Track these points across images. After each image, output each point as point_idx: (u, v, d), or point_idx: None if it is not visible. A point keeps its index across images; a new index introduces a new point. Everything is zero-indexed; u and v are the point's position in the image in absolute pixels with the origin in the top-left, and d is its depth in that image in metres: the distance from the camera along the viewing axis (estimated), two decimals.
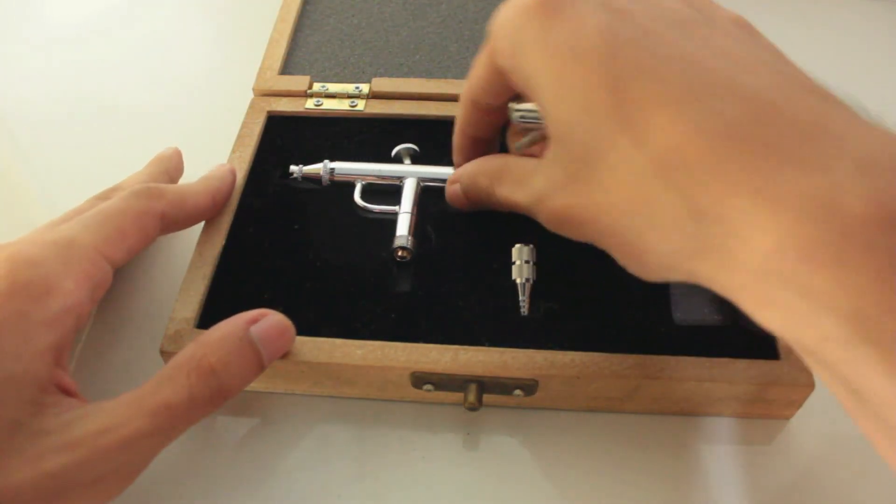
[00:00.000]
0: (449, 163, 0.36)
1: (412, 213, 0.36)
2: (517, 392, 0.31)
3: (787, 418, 0.33)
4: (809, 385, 0.30)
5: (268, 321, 0.29)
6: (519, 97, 0.31)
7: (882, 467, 0.31)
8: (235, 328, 0.28)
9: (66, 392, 0.26)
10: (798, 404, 0.32)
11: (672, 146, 0.22)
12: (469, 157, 0.34)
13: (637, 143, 0.22)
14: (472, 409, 0.31)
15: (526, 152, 0.32)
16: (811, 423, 0.32)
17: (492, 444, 0.32)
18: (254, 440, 0.32)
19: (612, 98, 0.23)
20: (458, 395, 0.31)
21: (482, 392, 0.31)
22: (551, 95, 0.25)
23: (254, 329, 0.28)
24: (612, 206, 0.24)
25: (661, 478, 0.31)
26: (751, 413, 0.32)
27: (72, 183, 0.42)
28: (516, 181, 0.30)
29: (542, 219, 0.28)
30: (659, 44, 0.23)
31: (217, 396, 0.27)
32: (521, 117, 0.31)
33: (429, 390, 0.31)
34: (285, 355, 0.31)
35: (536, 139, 0.31)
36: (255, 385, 0.33)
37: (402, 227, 0.35)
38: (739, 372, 0.30)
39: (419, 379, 0.31)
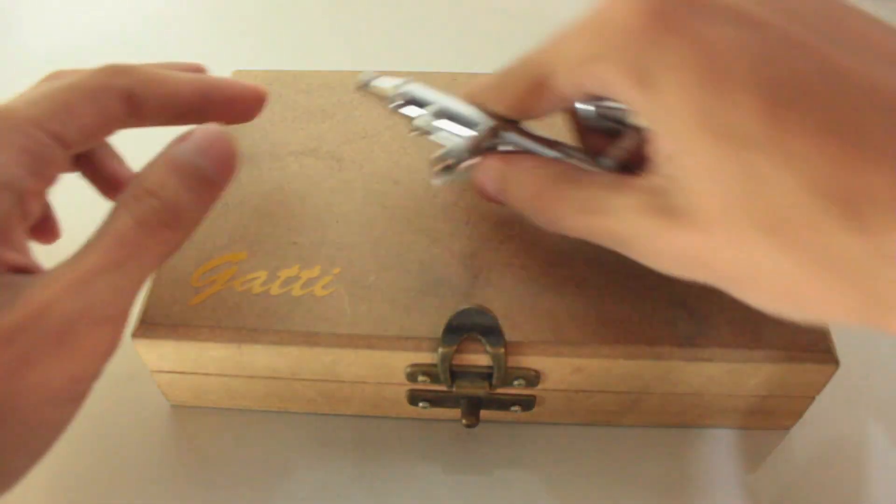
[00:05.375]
0: None
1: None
2: (515, 408, 0.31)
3: (787, 429, 0.32)
4: (809, 396, 0.30)
5: (197, 135, 0.25)
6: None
7: (882, 476, 0.31)
8: (160, 155, 0.25)
9: (20, 270, 0.23)
10: (798, 415, 0.31)
11: (859, 185, 0.19)
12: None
13: (809, 182, 0.20)
14: (471, 426, 0.30)
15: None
16: (811, 434, 0.32)
17: (490, 461, 0.32)
18: (251, 460, 0.32)
19: (767, 129, 0.20)
20: (455, 412, 0.31)
21: (479, 409, 0.31)
22: (682, 120, 0.21)
23: (182, 146, 0.25)
24: (773, 249, 0.21)
25: (662, 491, 0.31)
26: (751, 424, 0.32)
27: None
28: (589, 204, 0.25)
29: (650, 259, 0.24)
30: (806, 56, 0.20)
31: (167, 216, 0.23)
32: (602, 114, 0.26)
33: (425, 407, 0.31)
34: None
35: (631, 146, 0.26)
36: (250, 404, 0.32)
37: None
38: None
39: (415, 397, 0.31)
